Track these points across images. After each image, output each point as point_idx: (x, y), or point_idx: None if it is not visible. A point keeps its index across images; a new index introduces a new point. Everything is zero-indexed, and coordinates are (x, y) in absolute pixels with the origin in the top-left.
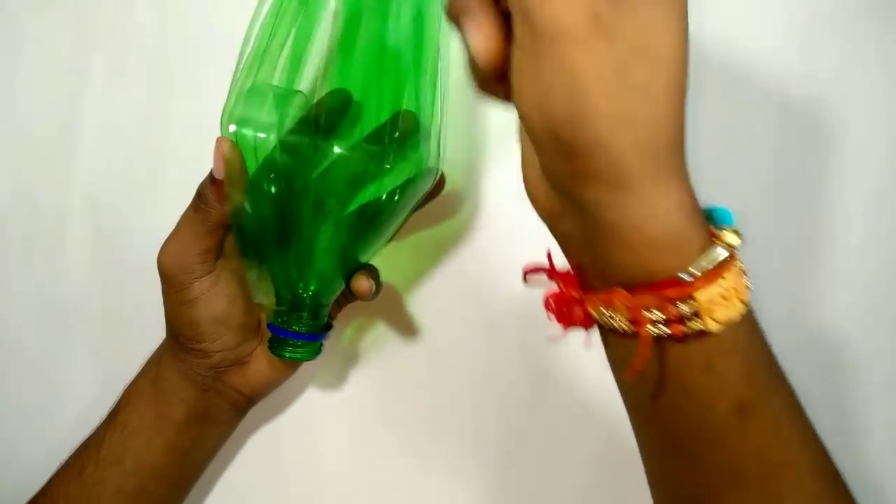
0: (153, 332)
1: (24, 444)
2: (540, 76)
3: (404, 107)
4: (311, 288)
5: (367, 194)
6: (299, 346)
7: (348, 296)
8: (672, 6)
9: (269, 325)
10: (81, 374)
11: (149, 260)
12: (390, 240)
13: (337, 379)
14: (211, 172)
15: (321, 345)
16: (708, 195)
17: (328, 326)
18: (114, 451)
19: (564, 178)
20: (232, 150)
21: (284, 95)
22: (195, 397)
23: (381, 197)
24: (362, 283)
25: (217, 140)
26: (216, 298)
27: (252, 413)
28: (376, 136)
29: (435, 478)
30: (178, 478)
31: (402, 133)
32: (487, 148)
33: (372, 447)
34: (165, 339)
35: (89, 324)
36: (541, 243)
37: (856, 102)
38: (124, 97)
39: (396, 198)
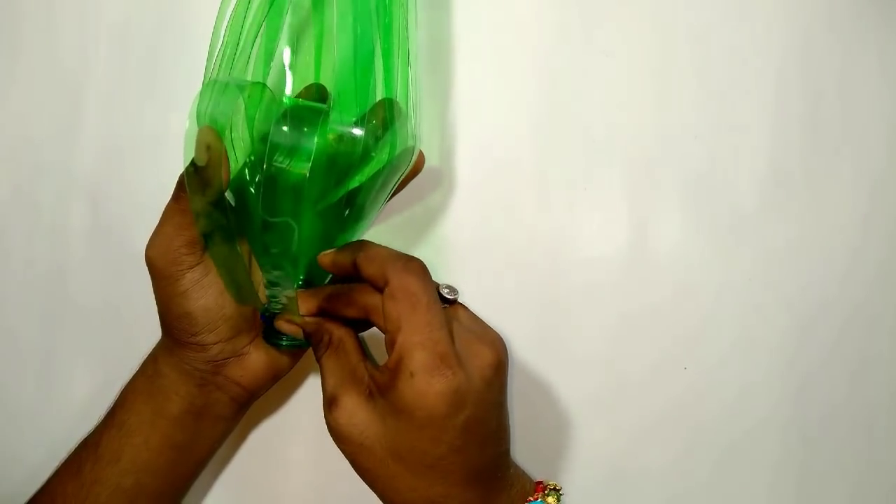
0: (153, 330)
1: (24, 442)
2: None
3: (380, 92)
4: (301, 276)
5: (350, 182)
6: (277, 336)
7: None
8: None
9: (262, 316)
10: (82, 371)
11: None
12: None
13: None
14: (192, 161)
15: None
16: (707, 195)
17: None
18: (111, 450)
19: None
20: (215, 138)
21: (249, 88)
22: (193, 393)
23: (364, 182)
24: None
25: (200, 129)
26: (208, 289)
27: (254, 408)
28: (357, 126)
29: None
30: (176, 474)
31: (382, 121)
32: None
33: None
34: (161, 337)
35: (89, 321)
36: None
37: (856, 101)
38: (125, 96)
39: (378, 181)
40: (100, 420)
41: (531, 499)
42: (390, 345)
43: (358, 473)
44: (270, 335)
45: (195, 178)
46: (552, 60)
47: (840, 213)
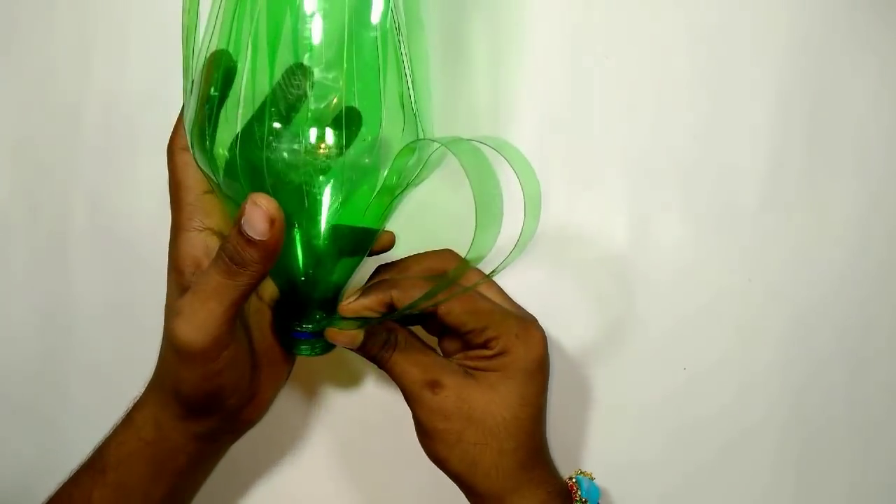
0: (154, 329)
1: (23, 442)
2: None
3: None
4: (320, 285)
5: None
6: (319, 342)
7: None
8: (510, 392)
9: (283, 329)
10: (81, 372)
11: (151, 260)
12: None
13: (337, 385)
14: (243, 231)
15: None
16: (707, 195)
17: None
18: None
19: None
20: (277, 208)
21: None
22: (202, 447)
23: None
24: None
25: (251, 197)
26: (240, 359)
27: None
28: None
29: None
30: None
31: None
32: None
33: (373, 451)
34: (162, 401)
35: (89, 322)
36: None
37: (856, 102)
38: (126, 96)
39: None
40: (81, 469)
41: (572, 481)
42: (481, 332)
43: (456, 453)
44: (292, 345)
45: (255, 253)
46: (552, 60)
47: (840, 212)
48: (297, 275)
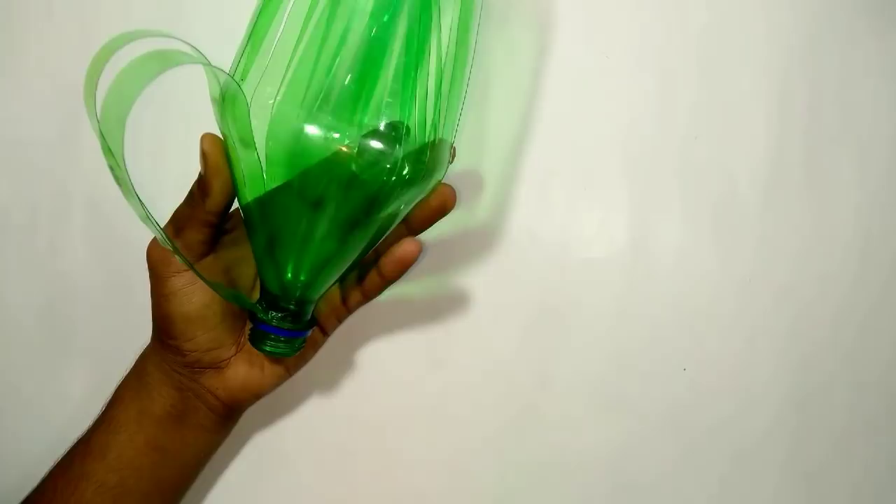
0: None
1: (24, 440)
2: None
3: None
4: (302, 280)
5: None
6: (281, 342)
7: (350, 305)
8: None
9: (251, 317)
10: (81, 372)
11: None
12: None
13: (336, 385)
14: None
15: (303, 341)
16: (707, 196)
17: (312, 322)
18: (99, 445)
19: None
20: (213, 144)
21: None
22: (174, 395)
23: (380, 198)
24: (407, 247)
25: (201, 137)
26: (191, 297)
27: (249, 419)
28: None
29: (434, 479)
30: (160, 478)
31: (385, 140)
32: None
33: (372, 452)
34: (151, 335)
35: (89, 322)
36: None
37: (856, 101)
38: None
39: (398, 204)
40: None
41: None
42: None
43: None
44: (256, 339)
45: (199, 187)
46: (552, 60)
47: (841, 213)
48: (294, 259)
